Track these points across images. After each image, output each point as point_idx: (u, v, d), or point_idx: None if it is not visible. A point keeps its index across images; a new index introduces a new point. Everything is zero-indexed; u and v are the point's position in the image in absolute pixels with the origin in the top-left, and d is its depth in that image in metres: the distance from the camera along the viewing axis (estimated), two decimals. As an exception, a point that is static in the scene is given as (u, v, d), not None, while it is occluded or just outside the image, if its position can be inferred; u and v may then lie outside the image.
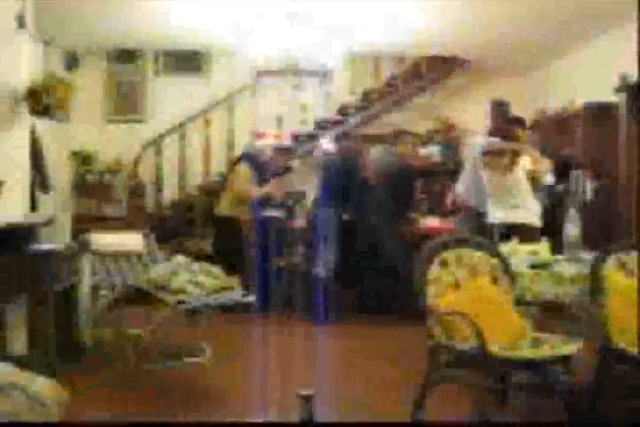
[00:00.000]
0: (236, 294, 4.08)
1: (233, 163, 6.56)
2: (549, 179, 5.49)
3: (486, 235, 4.69)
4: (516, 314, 3.24)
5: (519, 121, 5.55)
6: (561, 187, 5.91)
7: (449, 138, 7.66)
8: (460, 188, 5.77)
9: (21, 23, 4.19)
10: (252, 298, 4.11)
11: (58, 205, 6.66)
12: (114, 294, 4.21)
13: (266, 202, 6.30)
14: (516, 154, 5.15)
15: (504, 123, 5.57)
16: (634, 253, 3.42)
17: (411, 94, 7.73)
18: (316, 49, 5.85)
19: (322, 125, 7.57)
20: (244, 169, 6.16)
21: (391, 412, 3.42)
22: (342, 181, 5.93)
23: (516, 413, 3.44)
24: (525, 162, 5.20)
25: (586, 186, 5.94)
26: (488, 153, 5.19)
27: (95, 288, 4.42)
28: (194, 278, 4.04)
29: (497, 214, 5.12)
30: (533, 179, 5.24)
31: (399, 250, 5.78)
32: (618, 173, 5.70)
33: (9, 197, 3.94)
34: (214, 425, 3.31)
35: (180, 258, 4.36)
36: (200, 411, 3.48)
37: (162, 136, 7.40)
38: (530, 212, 5.12)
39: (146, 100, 7.81)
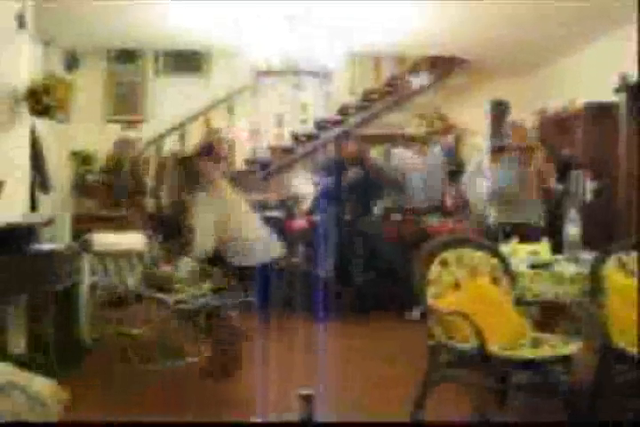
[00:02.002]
0: (235, 295, 4.08)
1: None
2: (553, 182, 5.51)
3: (489, 235, 4.71)
4: (515, 314, 3.24)
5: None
6: (561, 187, 5.91)
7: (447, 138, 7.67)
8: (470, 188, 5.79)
9: (21, 23, 4.19)
10: (250, 298, 4.11)
11: (58, 205, 6.65)
12: (109, 296, 4.22)
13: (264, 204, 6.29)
14: (531, 151, 5.18)
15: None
16: (634, 254, 3.42)
17: (411, 94, 7.73)
18: (317, 50, 5.84)
19: (322, 125, 7.58)
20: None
21: (391, 412, 3.42)
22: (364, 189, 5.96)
23: (515, 413, 3.44)
24: (537, 160, 5.23)
25: (586, 186, 5.94)
26: (507, 148, 5.22)
27: (93, 288, 4.42)
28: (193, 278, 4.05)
29: (500, 214, 5.13)
30: (543, 180, 5.27)
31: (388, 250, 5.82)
32: (618, 173, 5.70)
33: (9, 197, 3.94)
34: (214, 425, 3.31)
35: (180, 258, 4.36)
36: (200, 411, 3.48)
37: (162, 136, 7.40)
38: (534, 211, 5.14)
39: (146, 100, 7.80)
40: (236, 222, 3.93)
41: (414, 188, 5.88)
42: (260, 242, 4.01)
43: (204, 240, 3.75)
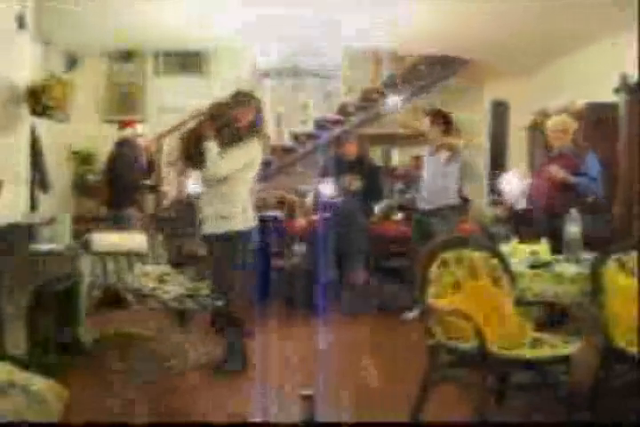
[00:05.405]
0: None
1: None
2: None
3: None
4: (515, 314, 3.24)
5: None
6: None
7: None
8: None
9: (21, 23, 4.20)
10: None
11: (58, 205, 6.65)
12: (106, 295, 4.22)
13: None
14: None
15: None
16: (634, 254, 3.41)
17: (411, 94, 7.73)
18: (317, 49, 5.85)
19: (322, 125, 7.58)
20: None
21: (392, 411, 3.42)
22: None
23: (515, 413, 3.44)
24: None
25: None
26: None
27: (92, 287, 4.43)
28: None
29: None
30: None
31: None
32: (618, 172, 5.70)
33: (9, 197, 3.94)
34: (214, 425, 3.30)
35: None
36: (199, 411, 3.48)
37: (162, 136, 7.39)
38: None
39: (146, 100, 7.81)
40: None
41: (427, 187, 5.76)
42: (242, 208, 4.01)
43: (218, 165, 3.80)
